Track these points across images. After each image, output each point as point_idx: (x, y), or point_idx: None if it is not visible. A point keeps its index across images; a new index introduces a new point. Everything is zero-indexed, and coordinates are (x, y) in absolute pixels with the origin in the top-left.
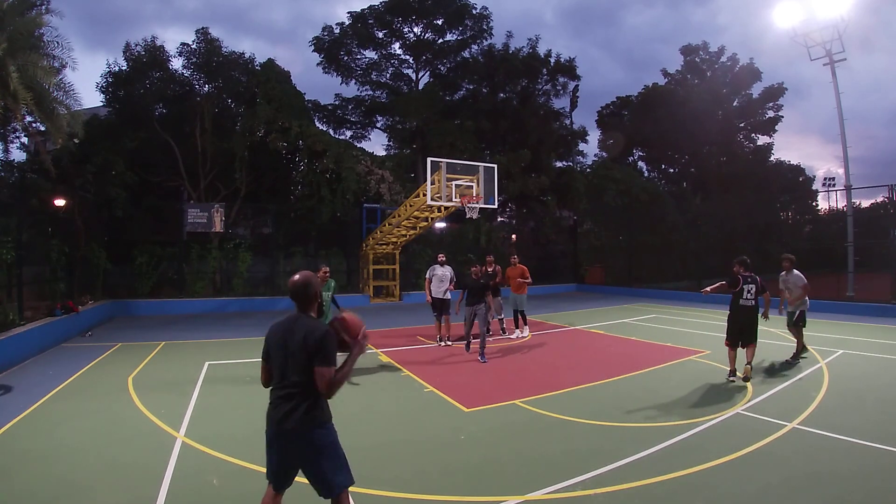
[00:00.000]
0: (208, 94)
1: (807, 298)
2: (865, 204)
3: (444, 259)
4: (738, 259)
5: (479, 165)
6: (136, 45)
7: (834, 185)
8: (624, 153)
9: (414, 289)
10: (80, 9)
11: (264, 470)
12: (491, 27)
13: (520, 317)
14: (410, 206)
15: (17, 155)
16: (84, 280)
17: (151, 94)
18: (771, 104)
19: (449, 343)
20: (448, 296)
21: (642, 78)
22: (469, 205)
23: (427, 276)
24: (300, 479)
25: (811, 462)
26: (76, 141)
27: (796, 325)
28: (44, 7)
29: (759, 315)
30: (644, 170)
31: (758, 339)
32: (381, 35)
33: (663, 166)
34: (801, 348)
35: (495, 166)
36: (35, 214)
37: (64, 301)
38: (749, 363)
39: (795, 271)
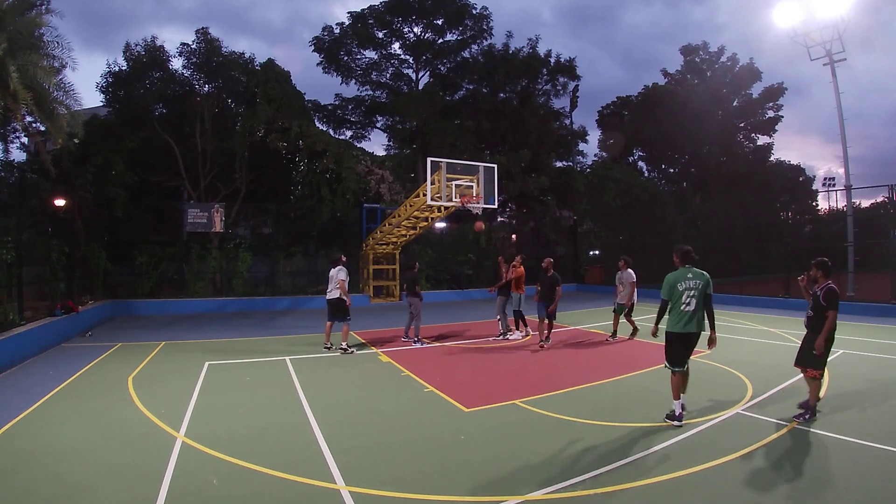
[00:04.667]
0: (208, 94)
1: (636, 293)
2: (865, 204)
3: (341, 258)
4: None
5: (479, 165)
6: (136, 45)
7: (834, 185)
8: (624, 153)
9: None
10: (75, 8)
11: (264, 470)
12: (491, 27)
13: (519, 318)
14: (410, 206)
15: (17, 155)
16: (84, 280)
17: (151, 94)
18: (771, 104)
19: (338, 349)
20: (332, 295)
21: (641, 77)
22: (469, 205)
23: None
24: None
25: (811, 462)
26: (76, 141)
27: (628, 316)
28: (44, 7)
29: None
30: (644, 170)
31: (803, 359)
32: (381, 35)
33: (663, 166)
34: (616, 332)
35: (495, 166)
36: (35, 214)
37: (64, 301)
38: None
39: (629, 270)
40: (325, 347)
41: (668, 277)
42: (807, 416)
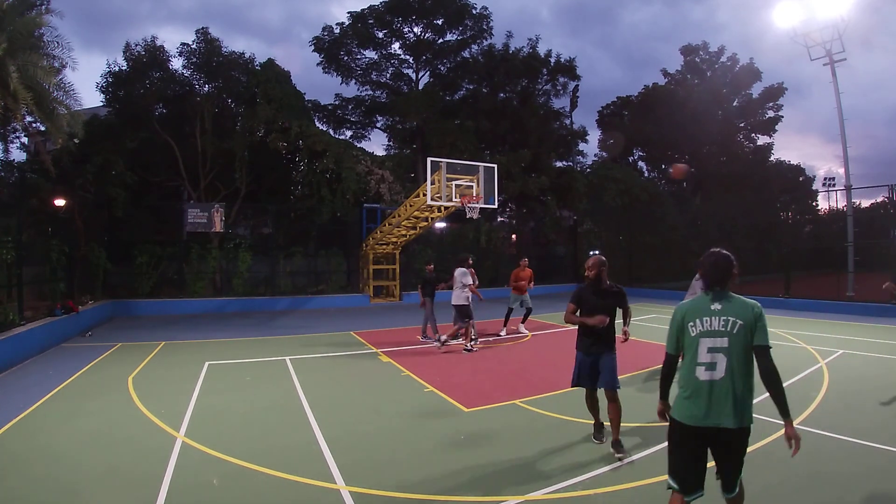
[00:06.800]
0: (208, 94)
1: None
2: (865, 204)
3: (467, 260)
4: None
5: (479, 165)
6: (136, 45)
7: (834, 185)
8: (624, 153)
9: (414, 289)
10: (75, 8)
11: (264, 470)
12: (491, 27)
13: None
14: (410, 206)
15: (17, 155)
16: (84, 280)
17: (151, 94)
18: (771, 104)
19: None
20: (454, 300)
21: (640, 76)
22: (469, 205)
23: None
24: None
25: (811, 462)
26: (76, 141)
27: None
28: (44, 7)
29: None
30: (644, 170)
31: None
32: (381, 35)
33: (663, 166)
34: None
35: (495, 166)
36: (35, 214)
37: (64, 301)
38: None
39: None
40: (437, 340)
41: (677, 311)
42: None
